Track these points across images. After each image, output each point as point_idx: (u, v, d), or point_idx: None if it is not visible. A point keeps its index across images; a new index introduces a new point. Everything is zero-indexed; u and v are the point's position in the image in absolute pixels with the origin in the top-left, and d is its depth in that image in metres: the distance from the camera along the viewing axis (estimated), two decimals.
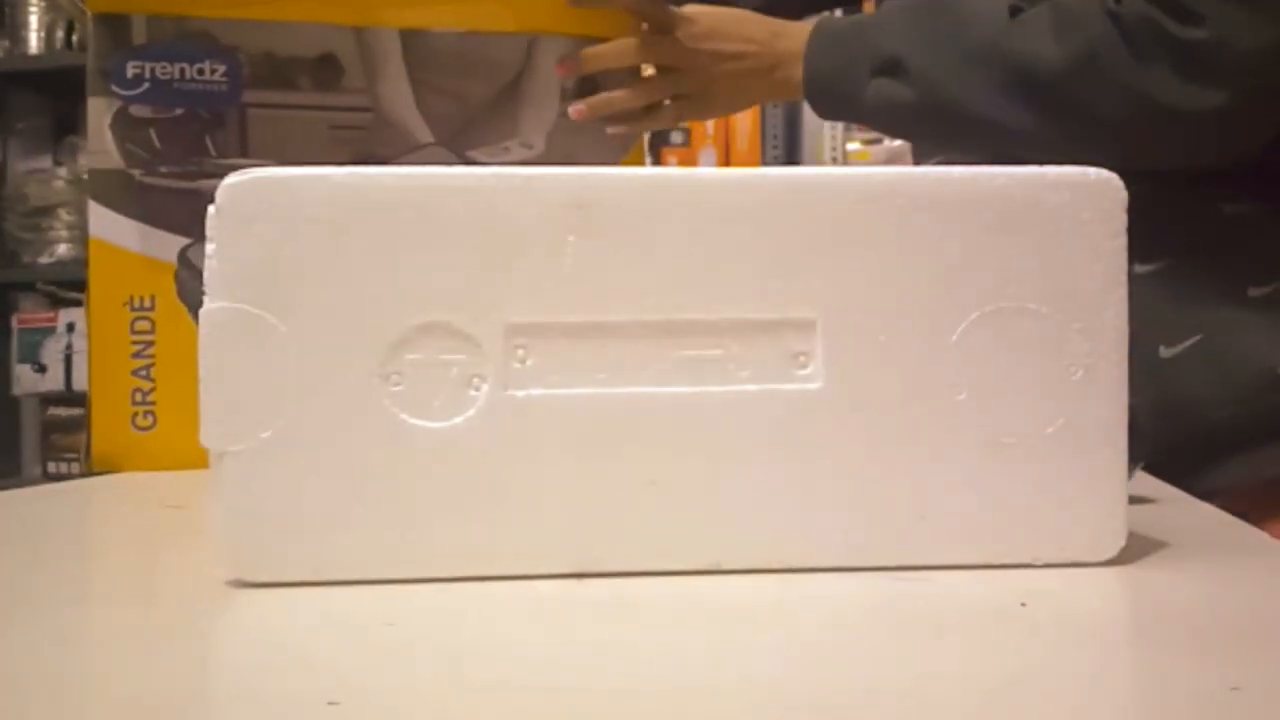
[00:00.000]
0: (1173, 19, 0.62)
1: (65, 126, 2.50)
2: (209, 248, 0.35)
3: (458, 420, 0.34)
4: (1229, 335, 0.67)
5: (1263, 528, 0.48)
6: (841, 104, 0.74)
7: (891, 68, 0.70)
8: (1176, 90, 0.62)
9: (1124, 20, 0.63)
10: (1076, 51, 0.64)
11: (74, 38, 2.35)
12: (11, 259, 2.36)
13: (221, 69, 0.68)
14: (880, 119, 0.73)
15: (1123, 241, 0.36)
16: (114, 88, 0.67)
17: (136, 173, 0.67)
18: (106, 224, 0.67)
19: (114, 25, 0.67)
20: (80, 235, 2.33)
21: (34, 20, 2.35)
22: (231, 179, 0.35)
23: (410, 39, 0.71)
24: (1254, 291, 0.67)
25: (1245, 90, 0.62)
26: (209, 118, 0.68)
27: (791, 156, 2.18)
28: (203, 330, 0.34)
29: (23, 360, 2.34)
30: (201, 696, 0.25)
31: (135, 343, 0.67)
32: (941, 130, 0.71)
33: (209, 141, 0.68)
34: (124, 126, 0.67)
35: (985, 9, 0.68)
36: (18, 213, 2.36)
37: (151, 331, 0.67)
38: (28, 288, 2.41)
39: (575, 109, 0.74)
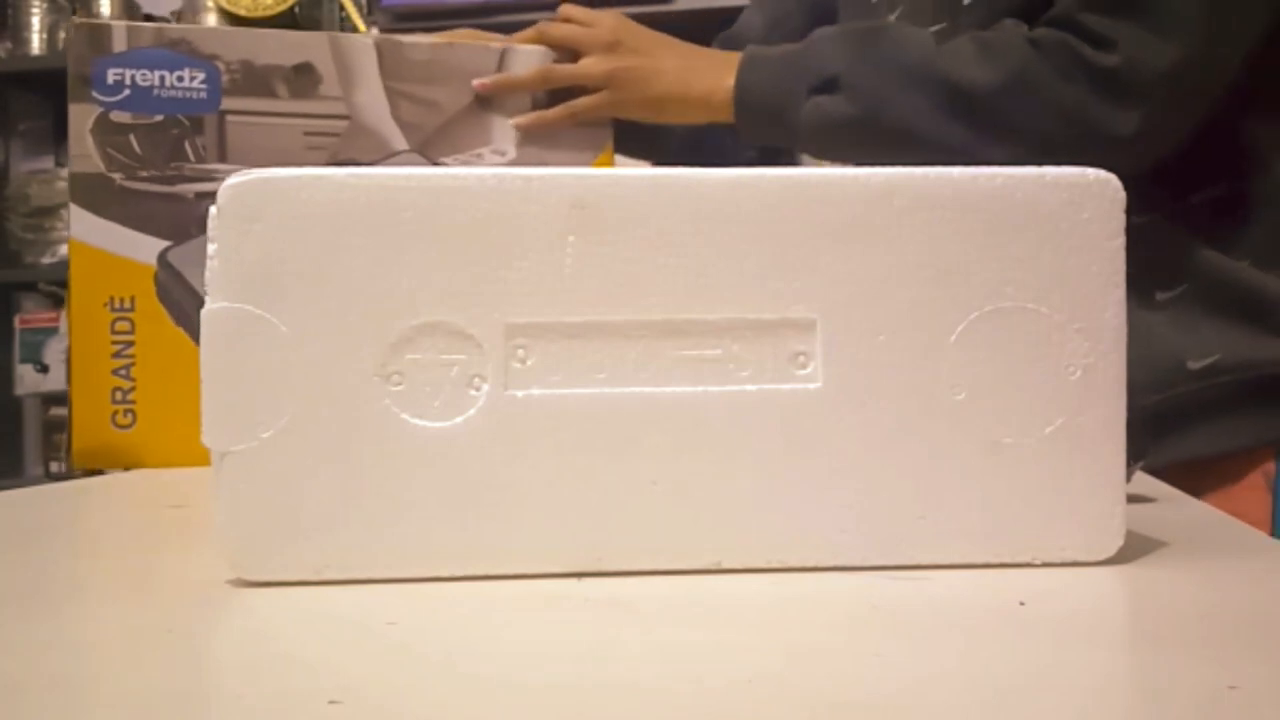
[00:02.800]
0: (1087, 44, 0.67)
1: (67, 128, 2.50)
2: (210, 248, 0.35)
3: (458, 420, 0.35)
4: (1143, 333, 0.72)
5: None
6: (773, 122, 0.76)
7: (830, 85, 0.73)
8: (1096, 111, 0.68)
9: (1043, 45, 0.69)
10: (1004, 72, 0.69)
11: None
12: (14, 259, 2.37)
13: (200, 76, 0.69)
14: (815, 138, 0.75)
15: (1122, 241, 0.36)
16: (95, 94, 0.68)
17: (117, 177, 0.68)
18: (87, 227, 0.68)
19: (94, 33, 0.68)
20: None
21: (36, 21, 2.36)
22: (233, 179, 0.35)
23: (385, 49, 0.73)
24: (1161, 295, 0.73)
25: (1157, 108, 0.67)
26: (188, 124, 0.69)
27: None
28: (204, 330, 0.34)
29: (25, 360, 2.35)
30: (202, 696, 0.25)
31: (115, 343, 0.68)
32: (877, 148, 0.74)
33: (188, 147, 0.69)
34: (105, 132, 0.68)
35: (915, 36, 0.73)
36: (20, 213, 2.37)
37: (131, 332, 0.68)
38: (30, 288, 2.42)
39: (518, 122, 0.77)
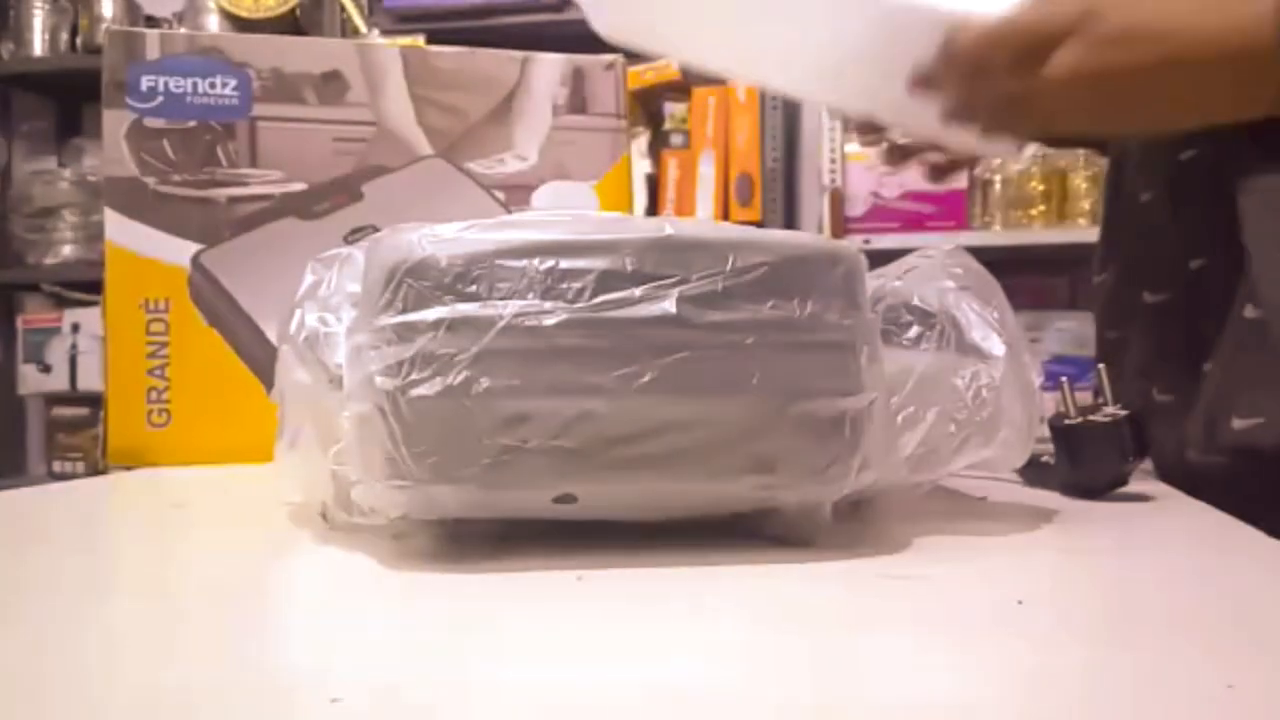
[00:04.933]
0: None
1: (69, 128, 2.51)
2: None
3: None
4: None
5: None
6: None
7: None
8: None
9: None
10: None
11: (78, 40, 2.35)
12: (16, 260, 2.37)
13: (232, 83, 0.70)
14: None
15: None
16: (129, 100, 0.69)
17: (151, 181, 0.69)
18: (122, 230, 0.69)
19: (128, 40, 0.69)
20: (85, 236, 2.33)
21: (38, 23, 2.36)
22: None
23: (410, 57, 0.74)
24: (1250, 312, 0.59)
25: None
26: (221, 129, 0.70)
27: (790, 158, 2.18)
28: None
29: (28, 360, 2.35)
30: (204, 693, 0.26)
31: (150, 343, 0.68)
32: None
33: (220, 152, 0.71)
34: (139, 137, 0.69)
35: None
36: (22, 214, 2.37)
37: (165, 333, 0.69)
38: (33, 288, 2.42)
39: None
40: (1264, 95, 0.47)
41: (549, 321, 0.35)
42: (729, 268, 0.36)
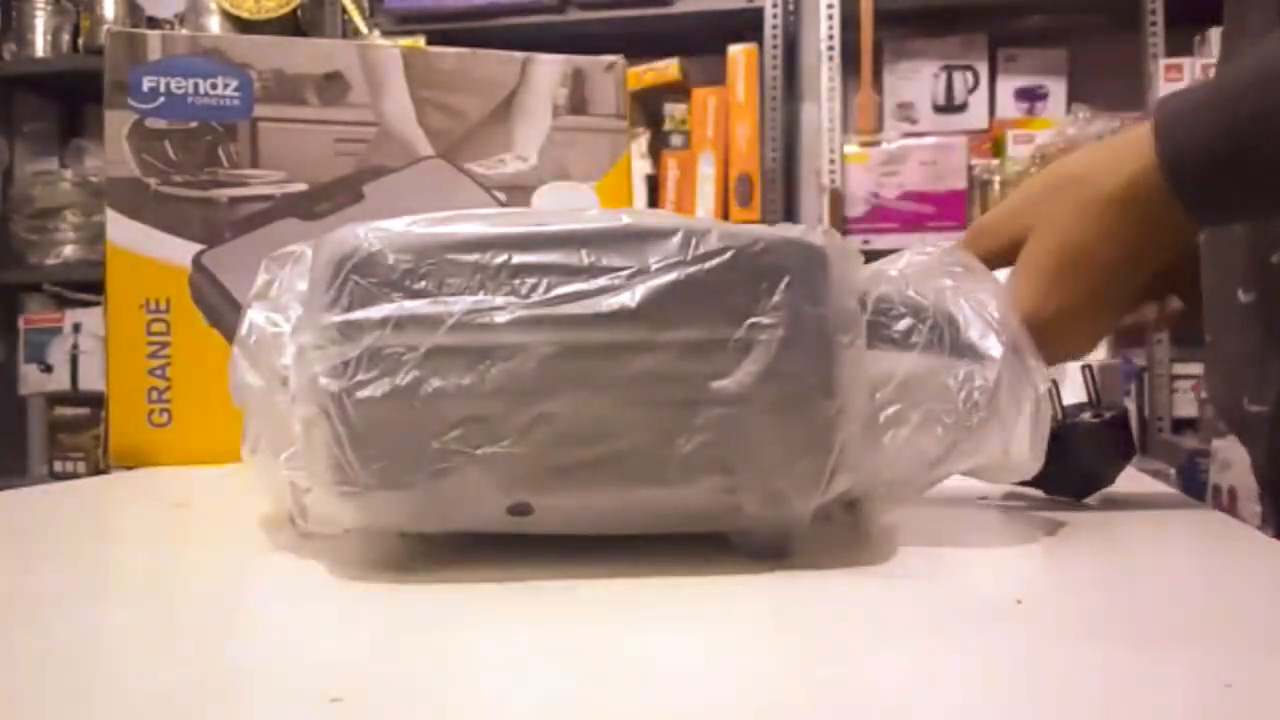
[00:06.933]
0: None
1: (71, 129, 2.51)
2: None
3: None
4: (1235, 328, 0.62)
5: None
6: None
7: None
8: None
9: None
10: None
11: (80, 41, 2.35)
12: (18, 260, 2.37)
13: (234, 84, 0.71)
14: None
15: None
16: (131, 101, 0.69)
17: (152, 182, 0.70)
18: (124, 230, 0.69)
19: (131, 41, 0.69)
20: (86, 236, 2.34)
21: (40, 24, 2.36)
22: None
23: (411, 58, 0.75)
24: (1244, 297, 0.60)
25: None
26: (222, 130, 0.71)
27: (790, 159, 2.18)
28: None
29: (29, 360, 2.35)
30: (204, 693, 0.26)
31: (151, 344, 0.69)
32: None
33: (222, 153, 0.71)
34: (141, 138, 0.69)
35: None
36: (24, 214, 2.37)
37: (167, 333, 0.69)
38: (34, 288, 2.42)
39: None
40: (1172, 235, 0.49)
41: (501, 319, 0.33)
42: (689, 256, 0.34)
